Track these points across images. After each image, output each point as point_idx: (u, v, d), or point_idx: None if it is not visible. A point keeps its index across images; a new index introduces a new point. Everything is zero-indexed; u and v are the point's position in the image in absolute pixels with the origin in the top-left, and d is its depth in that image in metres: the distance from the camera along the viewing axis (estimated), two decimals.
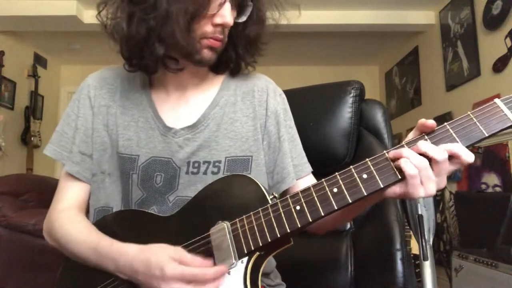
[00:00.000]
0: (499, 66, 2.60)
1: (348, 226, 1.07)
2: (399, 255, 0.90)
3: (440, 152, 0.55)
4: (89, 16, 3.41)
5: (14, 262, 1.56)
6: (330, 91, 1.14)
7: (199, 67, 0.79)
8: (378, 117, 1.09)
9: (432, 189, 0.55)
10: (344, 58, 4.60)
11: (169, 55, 0.75)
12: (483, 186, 2.61)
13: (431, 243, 1.29)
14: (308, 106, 1.12)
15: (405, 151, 0.56)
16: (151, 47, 0.72)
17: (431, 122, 0.57)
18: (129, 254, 0.65)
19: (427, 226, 1.32)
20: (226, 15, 0.71)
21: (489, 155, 2.56)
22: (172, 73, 0.78)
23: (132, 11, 0.70)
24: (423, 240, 1.22)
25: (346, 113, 1.08)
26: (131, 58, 0.75)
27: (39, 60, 4.31)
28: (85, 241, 0.71)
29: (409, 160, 0.55)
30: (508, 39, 2.52)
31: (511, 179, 2.35)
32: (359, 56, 4.55)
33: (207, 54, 0.74)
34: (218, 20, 0.71)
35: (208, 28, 0.72)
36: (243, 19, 0.76)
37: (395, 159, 0.57)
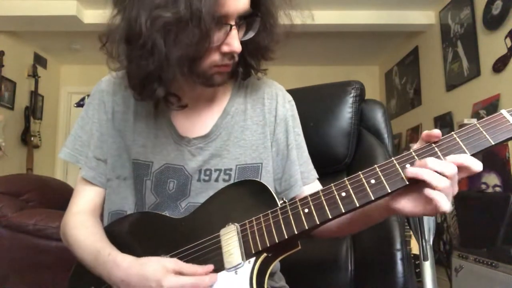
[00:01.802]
0: (499, 66, 2.59)
1: None
2: (399, 255, 0.90)
3: (450, 167, 0.55)
4: (89, 16, 3.41)
5: (14, 262, 1.55)
6: (330, 91, 1.14)
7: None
8: (378, 117, 1.09)
9: (449, 201, 0.55)
10: (344, 58, 4.60)
11: (172, 93, 0.73)
12: (483, 186, 2.60)
13: (431, 243, 1.30)
14: (308, 106, 1.12)
15: (426, 173, 0.55)
16: (151, 88, 0.69)
17: (437, 132, 0.57)
18: (121, 266, 0.65)
19: (427, 226, 1.33)
20: (234, 43, 0.67)
21: (489, 155, 2.55)
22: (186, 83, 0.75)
23: (129, 52, 0.67)
24: (423, 240, 1.22)
25: (346, 113, 1.08)
26: (134, 89, 0.73)
27: (39, 60, 4.30)
28: (87, 247, 0.72)
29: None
30: (508, 39, 2.52)
31: (511, 179, 2.35)
32: (359, 56, 4.54)
33: (217, 78, 0.72)
34: (225, 48, 0.67)
35: (216, 57, 0.68)
36: (251, 35, 0.72)
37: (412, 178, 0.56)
